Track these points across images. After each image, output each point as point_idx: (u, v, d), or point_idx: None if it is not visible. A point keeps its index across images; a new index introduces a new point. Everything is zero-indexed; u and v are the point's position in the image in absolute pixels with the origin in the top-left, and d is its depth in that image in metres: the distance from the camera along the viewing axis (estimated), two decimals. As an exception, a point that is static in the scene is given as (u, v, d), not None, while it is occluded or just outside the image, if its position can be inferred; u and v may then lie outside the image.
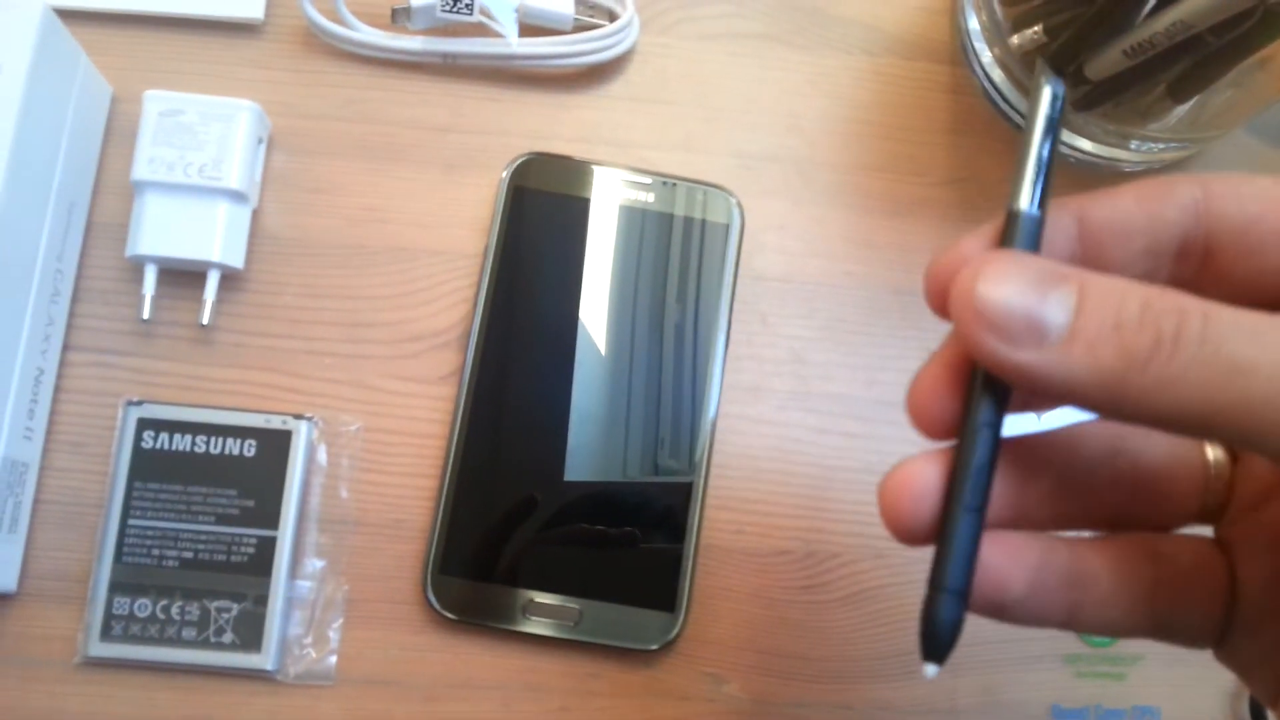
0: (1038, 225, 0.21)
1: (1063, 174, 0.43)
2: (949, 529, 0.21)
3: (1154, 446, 0.24)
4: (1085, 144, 0.41)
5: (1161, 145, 0.41)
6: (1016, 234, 0.21)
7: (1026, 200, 0.21)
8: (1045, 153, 0.21)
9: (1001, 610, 0.22)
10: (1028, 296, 0.19)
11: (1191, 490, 0.24)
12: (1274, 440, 0.18)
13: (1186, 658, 0.39)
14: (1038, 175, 0.21)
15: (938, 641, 0.21)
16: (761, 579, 0.39)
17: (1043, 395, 0.19)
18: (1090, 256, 0.21)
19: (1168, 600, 0.23)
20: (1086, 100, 0.39)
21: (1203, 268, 0.21)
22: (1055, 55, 0.39)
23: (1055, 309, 0.19)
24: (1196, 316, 0.18)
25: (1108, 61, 0.37)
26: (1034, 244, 0.21)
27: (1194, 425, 0.18)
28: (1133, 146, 0.41)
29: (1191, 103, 0.38)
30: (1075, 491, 0.23)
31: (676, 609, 0.37)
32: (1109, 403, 0.19)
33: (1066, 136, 0.41)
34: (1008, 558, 0.22)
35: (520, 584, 0.37)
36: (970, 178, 0.43)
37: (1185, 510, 0.24)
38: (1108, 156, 0.42)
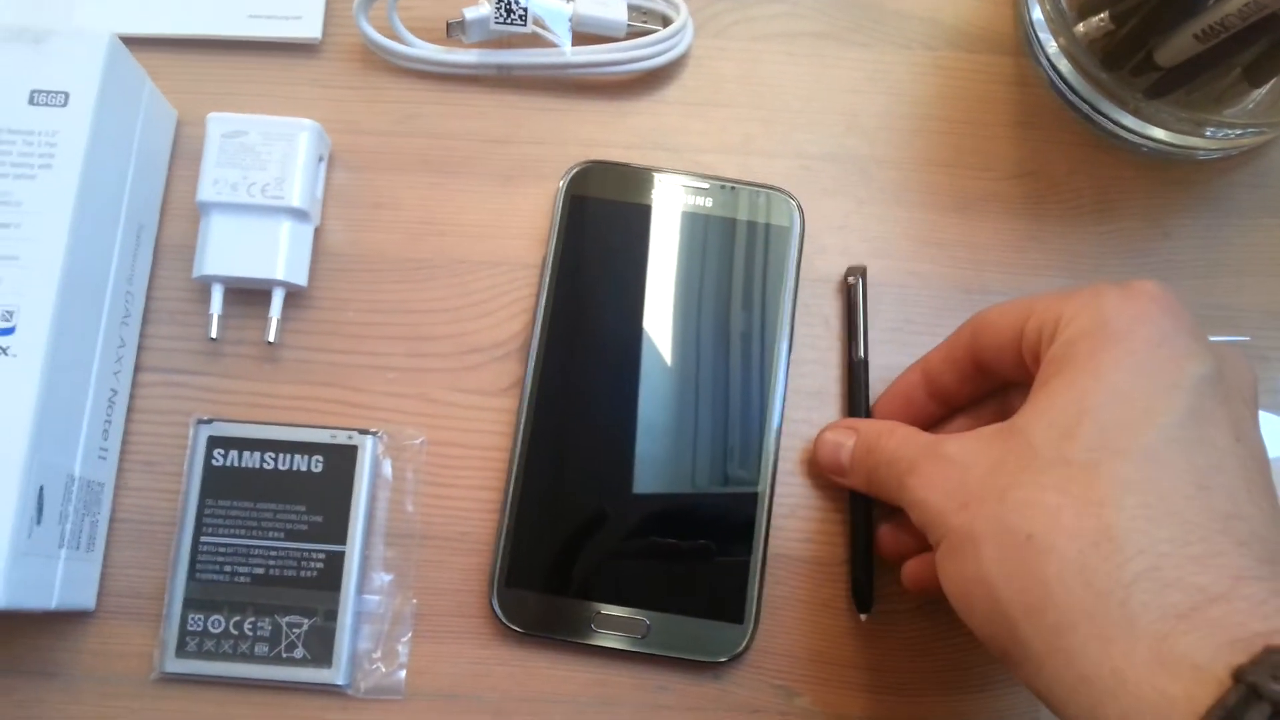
0: (866, 365, 0.39)
1: (1135, 164, 0.41)
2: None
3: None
4: (1158, 133, 0.40)
5: (1239, 131, 0.39)
6: (856, 373, 0.39)
7: (860, 351, 0.39)
8: (863, 320, 0.39)
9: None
10: (833, 456, 0.37)
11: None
12: (913, 510, 0.32)
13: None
14: (864, 334, 0.39)
15: (864, 596, 0.37)
16: (831, 588, 0.38)
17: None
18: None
19: None
20: (1156, 88, 0.38)
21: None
22: (1123, 42, 0.37)
23: (844, 455, 0.36)
24: (881, 450, 0.34)
25: (1178, 47, 0.36)
26: (865, 373, 0.39)
27: (892, 500, 0.34)
28: (1209, 134, 0.39)
29: (1269, 85, 0.37)
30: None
31: (745, 620, 0.37)
32: (869, 492, 0.36)
33: (1138, 125, 0.40)
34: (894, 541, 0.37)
35: (587, 596, 0.37)
36: (1038, 171, 0.42)
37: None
38: (1182, 145, 0.40)
